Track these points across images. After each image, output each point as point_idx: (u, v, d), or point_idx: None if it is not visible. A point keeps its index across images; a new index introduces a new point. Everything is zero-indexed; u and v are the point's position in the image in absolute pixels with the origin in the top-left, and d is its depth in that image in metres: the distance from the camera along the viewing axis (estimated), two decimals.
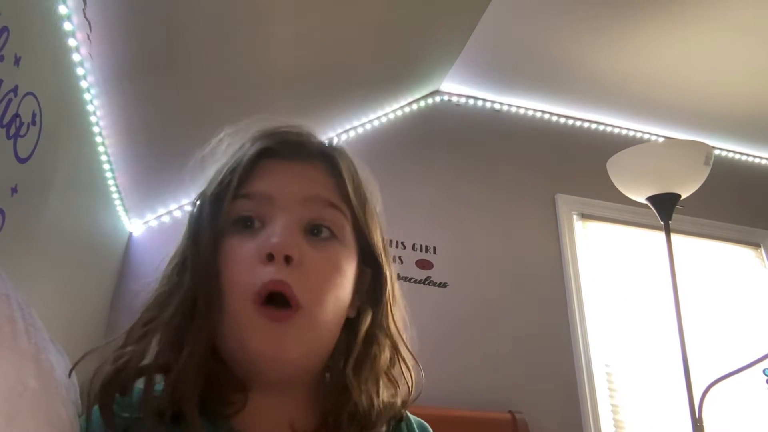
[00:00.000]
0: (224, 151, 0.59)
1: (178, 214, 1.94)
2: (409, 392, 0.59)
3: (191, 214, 0.56)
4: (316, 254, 0.51)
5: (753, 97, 2.52)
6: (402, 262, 2.15)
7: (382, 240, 0.60)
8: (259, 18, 1.45)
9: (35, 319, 0.46)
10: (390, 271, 0.60)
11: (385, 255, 0.60)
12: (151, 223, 1.92)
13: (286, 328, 0.49)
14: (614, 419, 2.13)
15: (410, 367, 0.60)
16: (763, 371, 1.99)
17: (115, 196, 1.60)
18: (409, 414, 0.61)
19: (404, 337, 0.61)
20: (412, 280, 2.14)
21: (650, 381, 2.20)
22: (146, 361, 0.50)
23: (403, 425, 0.59)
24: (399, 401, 0.58)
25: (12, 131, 0.88)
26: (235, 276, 0.50)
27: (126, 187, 1.63)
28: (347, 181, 0.56)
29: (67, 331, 1.37)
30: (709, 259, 2.58)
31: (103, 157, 1.43)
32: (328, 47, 1.78)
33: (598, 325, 2.27)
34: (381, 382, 0.57)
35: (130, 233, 1.89)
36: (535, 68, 2.40)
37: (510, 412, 1.93)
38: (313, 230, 0.53)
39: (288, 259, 0.49)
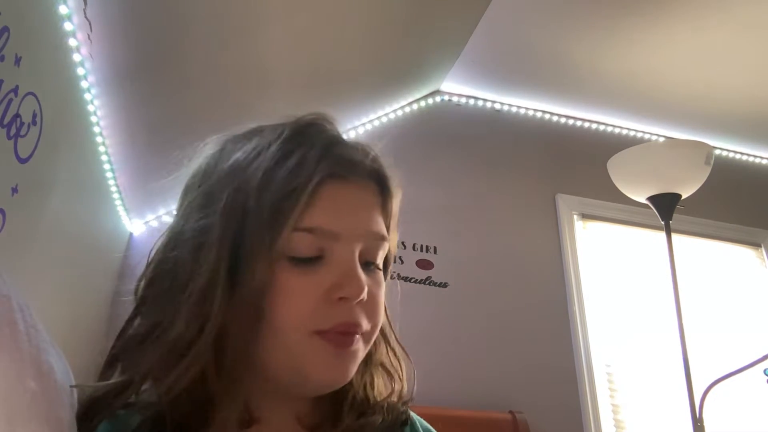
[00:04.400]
0: (250, 151, 0.54)
1: None
2: (402, 385, 0.60)
3: (222, 229, 0.50)
4: (373, 286, 0.53)
5: (754, 97, 2.52)
6: (402, 262, 2.15)
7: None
8: (259, 18, 1.45)
9: (36, 321, 0.46)
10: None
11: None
12: (152, 223, 1.92)
13: (348, 354, 0.51)
14: (615, 419, 2.13)
15: (400, 358, 0.61)
16: (764, 371, 1.99)
17: (116, 195, 1.60)
18: (415, 416, 0.62)
19: (394, 330, 0.62)
20: (413, 280, 2.14)
21: (651, 381, 2.20)
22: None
23: (408, 429, 0.60)
24: (396, 398, 0.60)
25: (12, 131, 0.88)
26: (295, 310, 0.49)
27: (126, 187, 1.63)
28: (391, 205, 0.58)
29: (68, 331, 1.37)
30: (710, 259, 2.58)
31: (104, 157, 1.43)
32: (329, 47, 1.77)
33: (599, 325, 2.27)
34: (377, 373, 0.59)
35: (131, 233, 1.89)
36: (535, 68, 2.40)
37: (510, 411, 1.93)
38: (365, 263, 0.54)
39: (360, 302, 0.51)
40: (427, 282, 2.16)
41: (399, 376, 0.60)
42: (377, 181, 0.57)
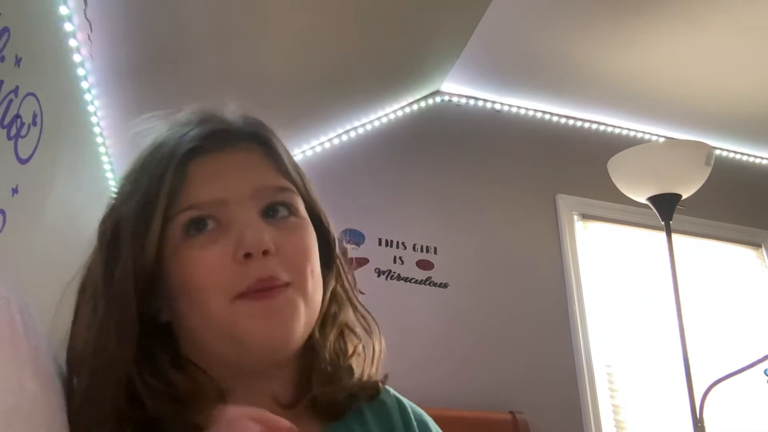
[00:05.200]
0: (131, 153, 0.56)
1: None
2: (376, 352, 0.58)
3: (105, 240, 0.53)
4: (284, 235, 0.51)
5: (754, 97, 2.52)
6: (403, 263, 2.15)
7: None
8: (259, 18, 1.45)
9: (35, 322, 0.46)
10: (334, 232, 0.60)
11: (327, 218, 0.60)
12: None
13: (283, 306, 0.49)
14: (615, 419, 2.13)
15: (370, 321, 0.59)
16: (764, 371, 1.99)
17: None
18: (398, 396, 0.60)
19: (357, 295, 0.60)
20: (413, 280, 2.14)
21: (651, 381, 2.20)
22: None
23: (389, 400, 0.57)
24: (373, 367, 0.57)
25: (13, 132, 0.88)
26: (210, 281, 0.48)
27: None
28: (284, 158, 0.56)
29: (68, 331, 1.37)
30: (710, 260, 2.58)
31: (104, 158, 1.43)
32: (329, 47, 1.78)
33: (599, 326, 2.27)
34: (349, 339, 0.57)
35: None
36: (535, 68, 2.40)
37: (511, 412, 1.93)
38: (270, 212, 0.52)
39: (266, 252, 0.49)
40: (427, 282, 2.16)
41: (371, 342, 0.58)
42: (255, 140, 0.56)
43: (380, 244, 2.15)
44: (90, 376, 0.47)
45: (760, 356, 1.83)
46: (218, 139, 0.54)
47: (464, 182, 2.39)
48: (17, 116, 0.89)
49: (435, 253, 2.21)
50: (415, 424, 0.57)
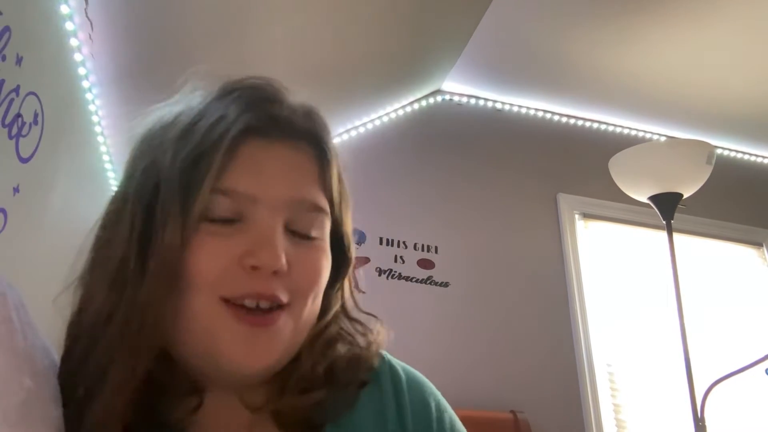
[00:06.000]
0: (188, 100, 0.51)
1: None
2: (371, 347, 0.54)
3: (137, 191, 0.47)
4: (300, 256, 0.47)
5: (755, 97, 2.51)
6: (404, 262, 2.15)
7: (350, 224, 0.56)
8: (259, 18, 1.45)
9: (31, 319, 0.46)
10: (353, 256, 0.56)
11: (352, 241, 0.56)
12: None
13: (267, 334, 0.45)
14: (616, 419, 2.13)
15: (367, 326, 0.56)
16: (765, 371, 1.99)
17: None
18: (397, 368, 0.55)
19: (360, 314, 0.57)
20: (414, 279, 2.14)
21: (652, 380, 2.19)
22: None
23: (384, 383, 0.53)
24: (363, 361, 0.53)
25: (14, 131, 0.88)
26: (204, 269, 0.44)
27: None
28: (333, 172, 0.52)
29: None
30: (712, 259, 2.58)
31: (105, 157, 1.43)
32: (330, 47, 1.78)
33: (600, 325, 2.27)
34: (333, 347, 0.53)
35: None
36: (536, 68, 2.40)
37: (512, 411, 1.93)
38: (293, 230, 0.48)
39: (276, 273, 0.45)
40: (428, 282, 2.16)
41: (366, 340, 0.55)
42: (312, 143, 0.51)
43: (381, 243, 2.15)
44: (106, 364, 0.44)
45: (762, 355, 1.83)
46: (275, 126, 0.49)
47: (465, 181, 2.39)
48: (18, 115, 0.89)
49: (436, 252, 2.21)
50: (410, 408, 0.53)
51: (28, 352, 0.42)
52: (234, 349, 0.44)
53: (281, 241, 0.46)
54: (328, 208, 0.51)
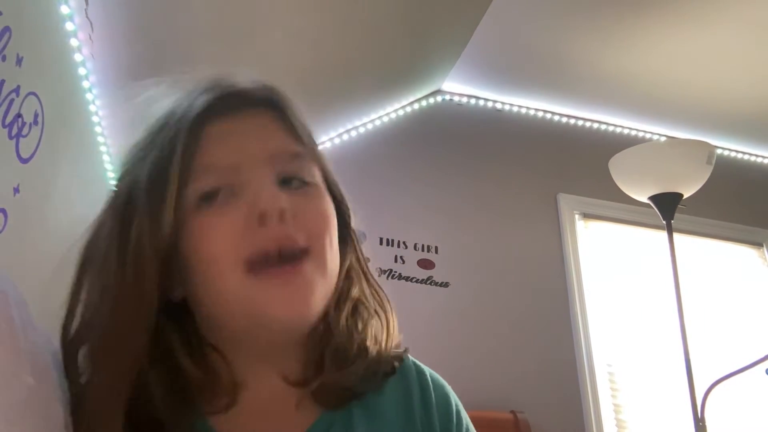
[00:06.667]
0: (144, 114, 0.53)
1: None
2: (390, 327, 0.56)
3: (118, 203, 0.50)
4: (302, 201, 0.49)
5: (755, 97, 2.51)
6: (404, 262, 2.15)
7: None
8: (259, 18, 1.45)
9: (32, 317, 0.46)
10: (348, 204, 0.58)
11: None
12: None
13: (302, 280, 0.47)
14: (616, 419, 2.13)
15: (382, 296, 0.58)
16: (765, 371, 1.98)
17: None
18: (422, 368, 0.58)
19: (371, 270, 0.59)
20: (414, 279, 2.14)
21: (652, 381, 2.19)
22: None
23: (410, 375, 0.56)
24: (387, 344, 0.55)
25: (14, 131, 0.88)
26: (219, 248, 0.46)
27: None
28: (297, 123, 0.54)
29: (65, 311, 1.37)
30: (712, 259, 2.58)
31: (105, 157, 1.44)
32: (330, 46, 1.78)
33: (600, 325, 2.27)
34: (362, 316, 0.55)
35: None
36: (537, 68, 2.40)
37: (512, 411, 1.93)
38: (285, 182, 0.50)
39: (282, 215, 0.46)
40: (428, 282, 2.16)
41: (385, 317, 0.57)
42: (269, 104, 0.54)
43: (381, 243, 2.15)
44: (96, 365, 0.46)
45: (762, 355, 1.83)
46: (232, 102, 0.52)
47: (465, 181, 2.39)
48: (18, 115, 0.89)
49: (436, 252, 2.21)
50: (434, 400, 0.55)
51: (30, 350, 0.42)
52: (273, 306, 0.46)
53: (275, 187, 0.48)
54: (306, 152, 0.53)
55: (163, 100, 0.53)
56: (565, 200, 2.47)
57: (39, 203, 1.05)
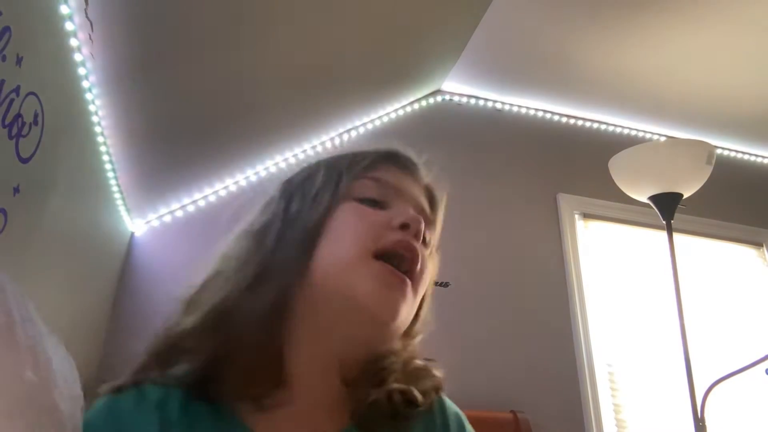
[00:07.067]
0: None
1: (180, 213, 1.95)
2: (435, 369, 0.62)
3: (305, 180, 0.61)
4: (425, 254, 0.58)
5: (755, 97, 2.51)
6: None
7: None
8: (259, 17, 1.45)
9: (31, 312, 0.46)
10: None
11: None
12: (153, 222, 1.92)
13: (398, 293, 0.53)
14: (616, 419, 2.13)
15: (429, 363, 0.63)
16: (765, 371, 1.99)
17: (117, 195, 1.61)
18: (444, 398, 0.62)
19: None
20: None
21: (652, 380, 2.19)
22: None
23: (436, 404, 0.60)
24: (432, 385, 0.60)
25: (14, 131, 0.88)
26: (361, 234, 0.54)
27: (128, 187, 1.63)
28: (439, 217, 0.65)
29: (69, 331, 1.37)
30: (712, 259, 2.58)
31: (105, 157, 1.44)
32: (330, 46, 1.78)
33: (600, 325, 2.27)
34: (416, 349, 0.63)
35: (132, 233, 1.89)
36: (537, 68, 2.40)
37: (512, 411, 1.93)
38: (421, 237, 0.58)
39: (418, 234, 0.55)
40: None
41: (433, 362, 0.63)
42: (427, 195, 0.64)
43: None
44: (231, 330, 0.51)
45: (762, 355, 1.83)
46: (410, 166, 0.64)
47: (465, 181, 2.39)
48: (18, 115, 0.89)
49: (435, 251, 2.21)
50: (452, 426, 0.59)
51: (30, 345, 0.42)
52: (371, 297, 0.52)
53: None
54: (434, 230, 0.64)
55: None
56: (565, 200, 2.47)
57: (39, 203, 1.05)
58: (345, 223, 0.55)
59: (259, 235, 0.57)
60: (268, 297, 0.52)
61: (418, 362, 0.60)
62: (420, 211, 0.60)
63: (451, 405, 0.62)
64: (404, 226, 0.55)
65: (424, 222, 0.58)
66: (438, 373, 0.61)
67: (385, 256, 0.53)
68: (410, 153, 0.66)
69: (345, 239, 0.54)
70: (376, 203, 0.57)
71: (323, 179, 0.59)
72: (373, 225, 0.55)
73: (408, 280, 0.54)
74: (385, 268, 0.53)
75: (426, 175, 0.66)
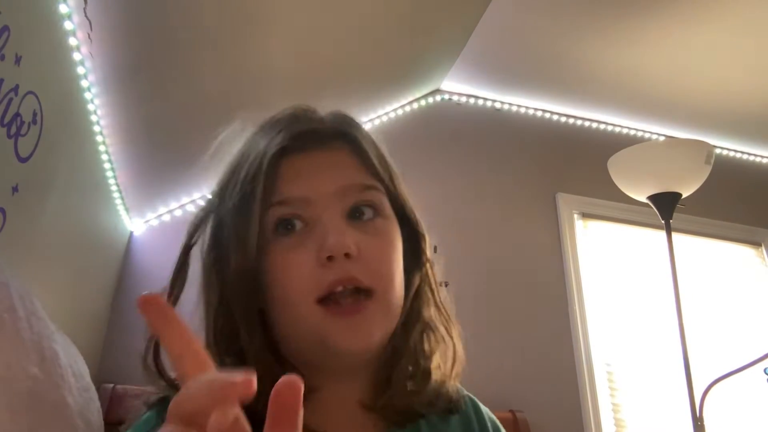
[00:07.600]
0: (231, 150, 0.60)
1: (179, 212, 1.94)
2: (456, 353, 0.61)
3: (213, 232, 0.57)
4: (368, 239, 0.53)
5: (754, 96, 2.51)
6: None
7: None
8: (258, 17, 1.45)
9: (37, 308, 0.46)
10: (423, 229, 0.63)
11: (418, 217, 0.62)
12: (152, 222, 1.92)
13: (364, 319, 0.51)
14: (615, 418, 2.13)
15: (449, 318, 0.64)
16: (764, 370, 1.99)
17: (116, 195, 1.60)
18: (474, 399, 0.63)
19: (440, 292, 0.65)
20: None
21: (651, 380, 2.20)
22: None
23: (470, 406, 0.61)
24: (452, 375, 0.60)
25: (13, 130, 0.88)
26: (296, 283, 0.51)
27: (127, 186, 1.63)
28: (371, 155, 0.57)
29: (68, 330, 1.37)
30: (710, 258, 2.58)
31: (104, 156, 1.43)
32: (329, 46, 1.77)
33: (599, 324, 2.27)
34: (427, 339, 0.60)
35: (131, 232, 1.89)
36: (536, 67, 2.40)
37: (511, 411, 1.93)
38: (355, 213, 0.54)
39: (348, 256, 0.51)
40: None
41: (452, 342, 0.61)
42: (342, 138, 0.58)
43: None
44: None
45: (760, 355, 1.83)
46: (306, 138, 0.56)
47: (464, 181, 2.39)
48: (17, 115, 0.89)
49: (435, 252, 2.21)
50: (490, 429, 0.60)
51: (35, 341, 0.42)
52: (339, 338, 0.50)
53: (342, 226, 0.52)
54: (378, 185, 0.56)
55: (240, 137, 0.59)
56: (563, 200, 2.47)
57: (38, 202, 1.05)
58: (278, 272, 0.52)
59: (208, 273, 0.57)
60: (253, 343, 0.52)
61: (429, 361, 0.59)
62: (341, 189, 0.54)
63: (486, 412, 0.64)
64: (330, 260, 0.51)
65: (356, 188, 0.54)
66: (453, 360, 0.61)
67: (329, 298, 0.51)
68: (300, 117, 0.59)
69: (285, 290, 0.52)
70: (293, 226, 0.53)
71: (243, 217, 0.53)
72: (301, 276, 0.51)
73: (363, 305, 0.51)
74: (335, 310, 0.51)
75: (331, 125, 0.59)
